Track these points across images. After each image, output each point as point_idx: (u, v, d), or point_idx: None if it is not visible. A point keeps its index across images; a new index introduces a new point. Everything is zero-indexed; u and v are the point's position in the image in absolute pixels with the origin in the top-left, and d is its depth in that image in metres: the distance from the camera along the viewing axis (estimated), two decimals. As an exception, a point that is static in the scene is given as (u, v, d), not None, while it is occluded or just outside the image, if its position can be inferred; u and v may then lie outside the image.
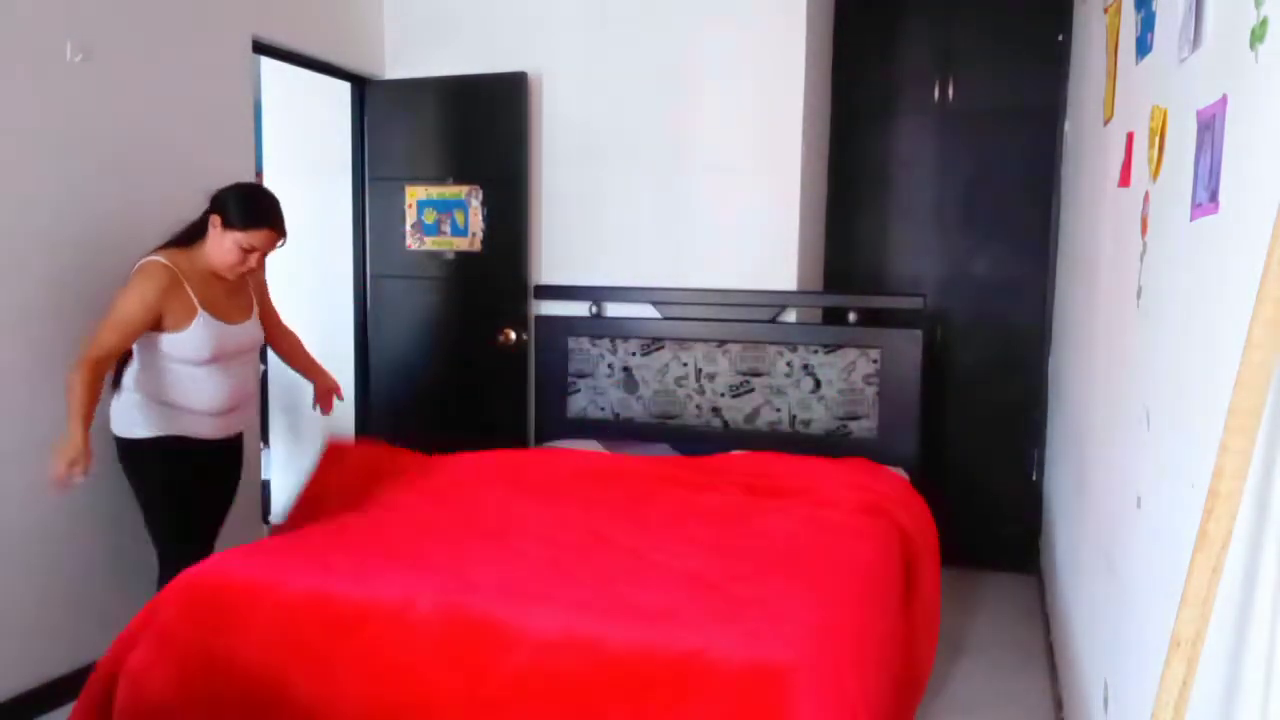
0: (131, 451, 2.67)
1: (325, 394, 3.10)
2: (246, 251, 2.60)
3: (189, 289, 2.58)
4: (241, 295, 2.76)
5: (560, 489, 3.07)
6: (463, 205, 4.14)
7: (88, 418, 2.43)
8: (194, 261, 2.62)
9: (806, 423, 3.77)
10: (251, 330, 2.78)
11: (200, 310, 2.59)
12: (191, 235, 2.65)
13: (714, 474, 3.25)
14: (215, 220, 2.59)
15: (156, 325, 2.55)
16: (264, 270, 2.88)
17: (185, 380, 2.63)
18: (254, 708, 2.13)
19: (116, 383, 2.67)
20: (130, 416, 2.65)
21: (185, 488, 2.69)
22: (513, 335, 4.09)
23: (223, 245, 2.59)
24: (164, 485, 2.67)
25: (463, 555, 2.40)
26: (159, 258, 2.57)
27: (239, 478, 2.95)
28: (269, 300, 2.98)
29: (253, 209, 2.61)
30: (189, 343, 2.58)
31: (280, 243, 2.70)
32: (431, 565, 2.31)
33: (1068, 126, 3.89)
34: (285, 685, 2.10)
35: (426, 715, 2.00)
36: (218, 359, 2.64)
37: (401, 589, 2.16)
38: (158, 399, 2.63)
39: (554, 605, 2.08)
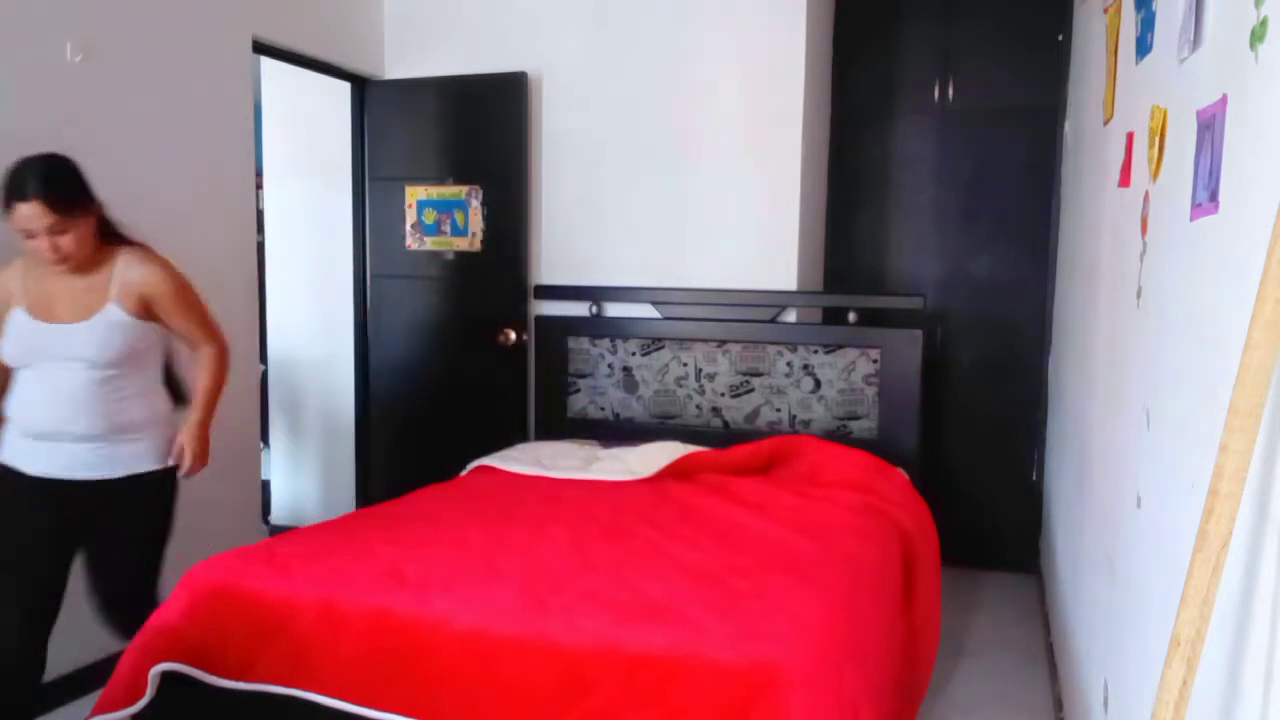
0: None
1: (179, 449, 2.45)
2: (30, 236, 2.18)
3: (21, 278, 2.30)
4: (94, 294, 2.30)
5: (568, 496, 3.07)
6: (463, 205, 4.14)
7: None
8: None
9: (806, 423, 3.77)
10: (74, 334, 2.26)
11: (15, 305, 2.29)
12: None
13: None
14: None
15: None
16: (131, 261, 2.34)
17: (11, 387, 2.33)
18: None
19: None
20: None
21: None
22: (513, 335, 4.08)
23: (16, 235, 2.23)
24: None
25: (464, 549, 2.41)
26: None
27: (111, 552, 2.41)
28: (168, 304, 2.37)
29: (4, 185, 2.19)
30: (9, 334, 2.29)
31: (51, 220, 2.16)
32: (434, 566, 2.31)
33: (1068, 126, 3.89)
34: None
35: (426, 714, 2.00)
36: (28, 363, 2.28)
37: (415, 596, 2.17)
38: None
39: (566, 604, 2.08)
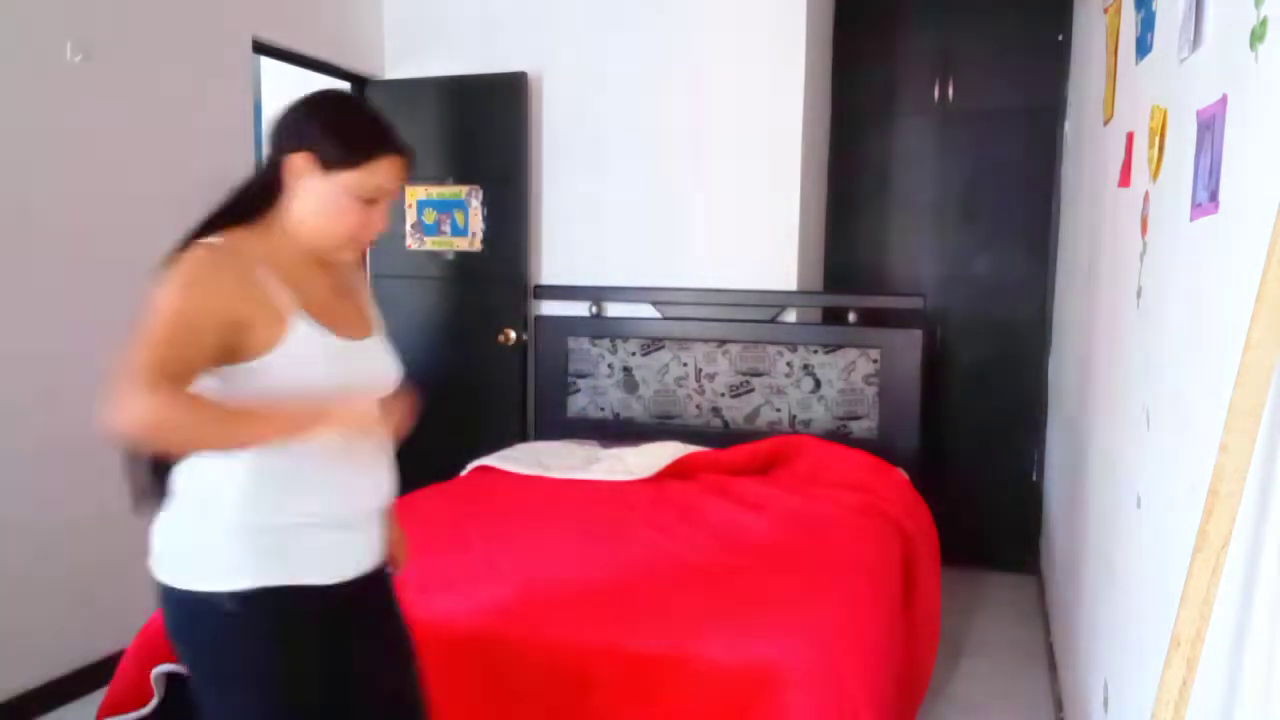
0: (206, 622, 1.39)
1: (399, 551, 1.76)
2: (369, 203, 1.47)
3: (272, 280, 1.40)
4: (352, 299, 1.58)
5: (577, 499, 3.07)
6: (463, 205, 4.14)
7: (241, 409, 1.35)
8: (273, 245, 1.44)
9: (806, 423, 3.77)
10: (381, 354, 1.59)
11: (298, 310, 1.41)
12: (251, 204, 1.47)
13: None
14: (303, 163, 1.44)
15: (230, 355, 1.35)
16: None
17: (305, 455, 1.39)
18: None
19: (160, 489, 1.43)
20: (204, 553, 1.39)
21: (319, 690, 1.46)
22: (513, 335, 4.09)
23: (330, 200, 1.44)
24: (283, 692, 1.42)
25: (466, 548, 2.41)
26: (211, 239, 1.41)
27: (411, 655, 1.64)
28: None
29: (369, 127, 1.52)
30: (295, 363, 1.38)
31: (403, 183, 1.57)
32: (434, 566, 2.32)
33: (1068, 126, 3.89)
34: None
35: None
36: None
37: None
38: (259, 507, 1.39)
39: (566, 604, 2.08)
